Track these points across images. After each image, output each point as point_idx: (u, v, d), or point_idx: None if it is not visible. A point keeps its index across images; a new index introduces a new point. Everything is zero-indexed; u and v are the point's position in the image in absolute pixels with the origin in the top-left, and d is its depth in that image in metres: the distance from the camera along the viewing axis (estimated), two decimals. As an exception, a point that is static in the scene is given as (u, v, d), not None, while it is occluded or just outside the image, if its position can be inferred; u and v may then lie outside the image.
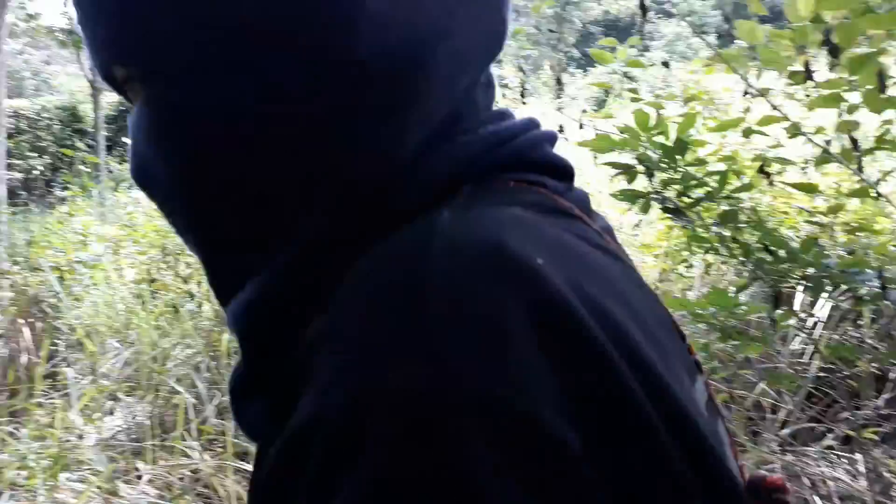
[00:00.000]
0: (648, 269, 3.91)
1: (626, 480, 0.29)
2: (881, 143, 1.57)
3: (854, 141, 1.52)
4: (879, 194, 1.61)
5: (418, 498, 0.26)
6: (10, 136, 7.99)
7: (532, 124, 0.44)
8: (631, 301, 0.34)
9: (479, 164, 0.40)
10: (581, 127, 2.15)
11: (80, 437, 2.53)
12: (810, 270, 1.59)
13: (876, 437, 2.20)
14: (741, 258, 1.80)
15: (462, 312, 0.29)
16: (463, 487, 0.26)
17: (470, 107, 0.43)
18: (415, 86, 0.40)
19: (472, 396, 0.27)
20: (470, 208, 0.36)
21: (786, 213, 3.05)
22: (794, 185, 1.91)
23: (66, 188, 6.23)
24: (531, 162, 0.42)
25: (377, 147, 0.40)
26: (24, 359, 3.18)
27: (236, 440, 2.32)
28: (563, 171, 0.43)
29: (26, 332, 3.29)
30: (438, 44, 0.40)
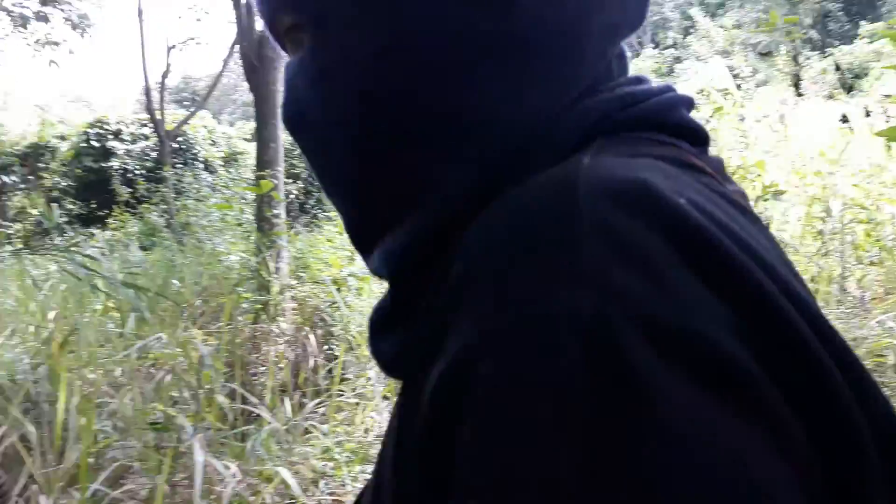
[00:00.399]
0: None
1: (797, 408, 0.28)
2: None
3: None
4: None
5: (601, 409, 0.26)
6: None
7: (668, 88, 0.45)
8: (768, 251, 0.34)
9: (612, 119, 0.41)
10: (868, 115, 1.97)
11: (366, 431, 2.79)
12: None
13: None
14: None
15: (617, 243, 0.29)
16: (642, 400, 0.26)
17: (607, 74, 0.44)
18: (568, 54, 0.42)
19: (640, 316, 0.27)
20: (607, 155, 0.36)
21: None
22: None
23: (322, 209, 6.88)
24: (665, 123, 0.42)
25: (523, 108, 0.41)
26: (311, 362, 3.57)
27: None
28: (698, 135, 0.43)
29: (312, 338, 3.69)
30: (593, 16, 0.42)
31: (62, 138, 13.74)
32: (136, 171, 12.18)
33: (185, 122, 11.03)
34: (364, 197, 0.46)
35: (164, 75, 10.64)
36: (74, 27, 8.42)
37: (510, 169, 0.40)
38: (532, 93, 0.41)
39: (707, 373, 0.26)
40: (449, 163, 0.42)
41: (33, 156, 13.28)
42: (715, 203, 0.33)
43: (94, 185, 12.12)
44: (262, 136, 4.60)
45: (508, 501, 0.26)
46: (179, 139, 12.04)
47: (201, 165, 12.05)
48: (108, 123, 13.08)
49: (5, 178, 11.86)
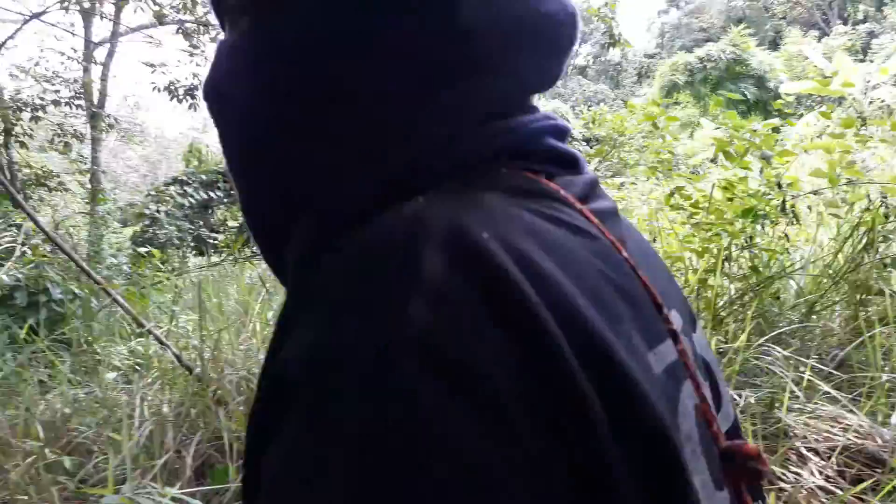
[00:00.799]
0: None
1: (559, 436, 0.31)
2: None
3: None
4: None
5: (369, 434, 0.29)
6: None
7: (546, 117, 0.48)
8: (585, 273, 0.37)
9: (479, 152, 0.44)
10: None
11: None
12: None
13: None
14: None
15: (420, 283, 0.32)
16: (407, 429, 0.29)
17: (505, 109, 0.47)
18: (478, 100, 0.45)
19: (423, 346, 0.30)
20: (448, 192, 0.40)
21: None
22: None
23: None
24: (531, 151, 0.46)
25: (417, 133, 0.44)
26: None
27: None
28: (565, 160, 0.47)
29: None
30: (511, 77, 0.46)
31: (257, 155, 14.89)
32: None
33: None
34: (258, 187, 0.48)
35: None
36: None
37: (387, 195, 0.42)
38: (431, 120, 0.44)
39: (474, 401, 0.29)
40: (335, 175, 0.45)
41: (233, 172, 14.51)
42: (532, 234, 0.37)
43: (287, 197, 12.99)
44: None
45: None
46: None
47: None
48: (297, 139, 14.01)
49: (211, 194, 13.09)
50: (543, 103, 17.57)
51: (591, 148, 15.22)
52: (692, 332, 0.50)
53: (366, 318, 0.32)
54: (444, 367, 0.30)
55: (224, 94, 0.48)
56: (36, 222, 3.45)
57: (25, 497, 2.63)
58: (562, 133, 0.49)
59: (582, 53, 49.57)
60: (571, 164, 0.48)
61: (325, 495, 0.28)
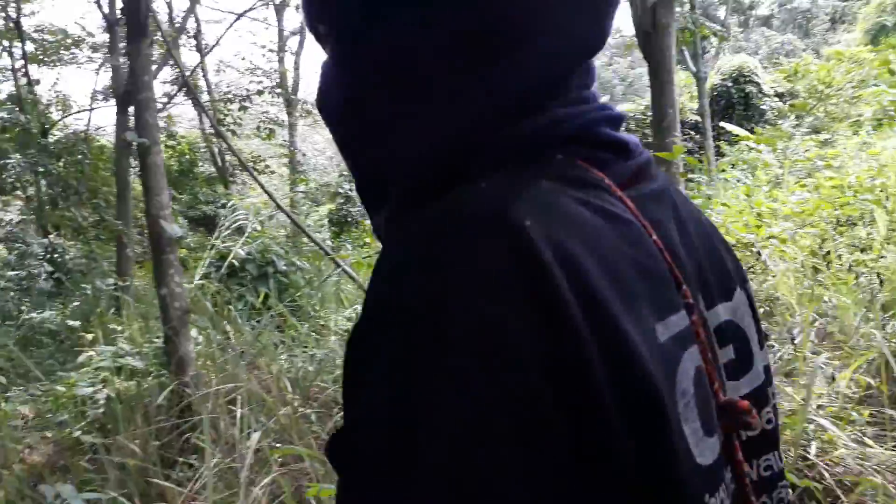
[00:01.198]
0: None
1: (568, 408, 0.37)
2: None
3: None
4: None
5: (408, 373, 0.37)
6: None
7: (602, 107, 0.53)
8: (611, 258, 0.43)
9: (537, 139, 0.49)
10: None
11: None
12: None
13: None
14: None
15: (466, 262, 0.39)
16: (436, 373, 0.37)
17: (562, 89, 0.51)
18: (511, 75, 0.48)
19: (451, 316, 0.37)
20: (506, 178, 0.45)
21: None
22: None
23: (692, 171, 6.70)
24: (586, 140, 0.50)
25: (465, 120, 0.48)
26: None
27: None
28: (617, 148, 0.52)
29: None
30: (534, 41, 0.48)
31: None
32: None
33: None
34: (357, 171, 0.57)
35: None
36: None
37: (450, 176, 0.48)
38: (486, 99, 0.48)
39: (492, 356, 0.36)
40: (406, 161, 0.51)
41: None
42: (574, 222, 0.43)
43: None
44: (659, 103, 4.63)
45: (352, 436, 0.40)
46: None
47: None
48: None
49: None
50: (728, 59, 16.52)
51: (783, 103, 14.13)
52: (726, 300, 0.57)
53: (420, 280, 0.40)
54: (472, 327, 0.37)
55: (323, 102, 0.58)
56: (274, 200, 3.81)
57: (279, 445, 2.97)
58: (615, 121, 0.53)
59: (765, 2, 45.99)
60: (623, 151, 0.53)
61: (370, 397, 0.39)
